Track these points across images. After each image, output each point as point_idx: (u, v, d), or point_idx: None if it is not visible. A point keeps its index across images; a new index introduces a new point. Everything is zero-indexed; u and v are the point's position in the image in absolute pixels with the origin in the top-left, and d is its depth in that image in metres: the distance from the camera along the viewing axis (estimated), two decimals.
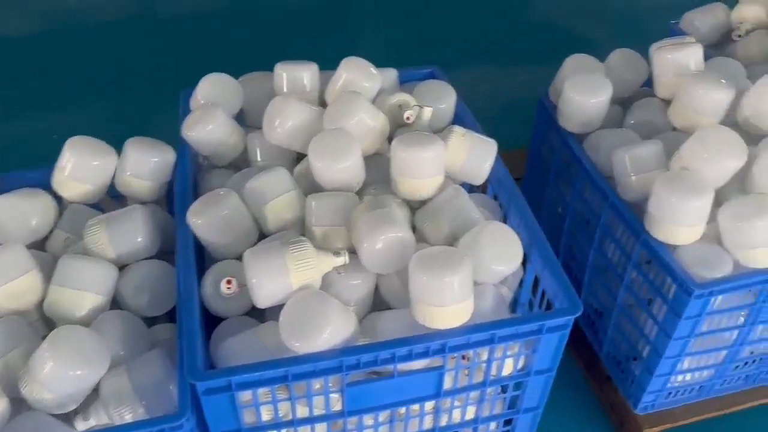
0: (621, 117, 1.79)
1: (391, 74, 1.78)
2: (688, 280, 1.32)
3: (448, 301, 1.14)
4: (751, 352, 1.61)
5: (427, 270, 1.14)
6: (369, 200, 1.33)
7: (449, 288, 1.14)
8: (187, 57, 3.21)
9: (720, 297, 1.37)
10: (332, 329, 1.11)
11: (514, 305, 1.51)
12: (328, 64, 1.66)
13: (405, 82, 1.82)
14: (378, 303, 1.36)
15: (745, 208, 1.34)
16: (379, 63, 1.70)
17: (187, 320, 1.19)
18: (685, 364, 1.53)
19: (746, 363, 1.64)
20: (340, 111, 1.45)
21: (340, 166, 1.36)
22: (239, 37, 3.41)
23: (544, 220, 2.00)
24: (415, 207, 1.44)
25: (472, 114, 1.70)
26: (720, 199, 1.41)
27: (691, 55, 1.64)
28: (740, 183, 1.43)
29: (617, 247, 1.57)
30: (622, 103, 1.82)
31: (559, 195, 1.84)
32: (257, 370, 1.09)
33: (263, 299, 1.18)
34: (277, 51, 3.19)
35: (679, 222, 1.35)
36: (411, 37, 3.46)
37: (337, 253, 1.23)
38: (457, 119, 1.73)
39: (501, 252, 1.27)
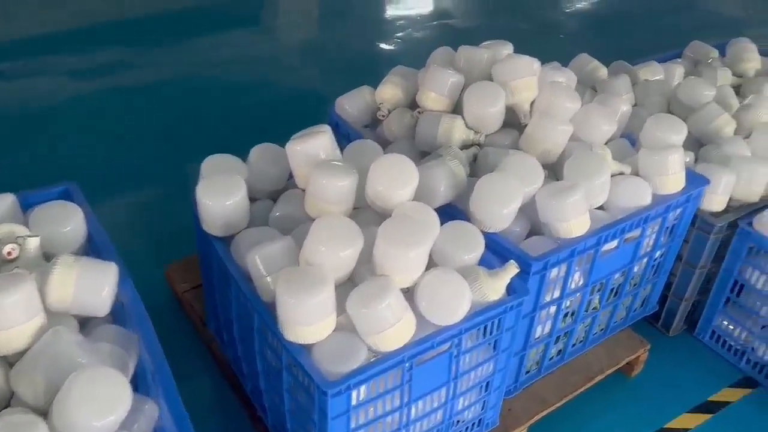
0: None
1: (6, 200, 1.55)
2: (321, 381, 1.27)
3: None
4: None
5: None
6: None
7: None
8: None
9: (363, 387, 1.33)
10: None
11: None
12: None
13: (32, 205, 1.59)
14: None
15: (367, 292, 1.33)
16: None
17: None
18: None
19: None
20: None
21: None
22: None
23: (222, 329, 1.88)
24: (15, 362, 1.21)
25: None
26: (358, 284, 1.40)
27: (320, 144, 1.66)
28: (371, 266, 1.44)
29: (272, 351, 1.49)
30: (275, 197, 1.79)
31: (228, 302, 1.73)
32: None
33: None
34: None
35: (303, 321, 1.30)
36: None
37: None
38: (91, 242, 1.55)
39: (99, 402, 1.08)
